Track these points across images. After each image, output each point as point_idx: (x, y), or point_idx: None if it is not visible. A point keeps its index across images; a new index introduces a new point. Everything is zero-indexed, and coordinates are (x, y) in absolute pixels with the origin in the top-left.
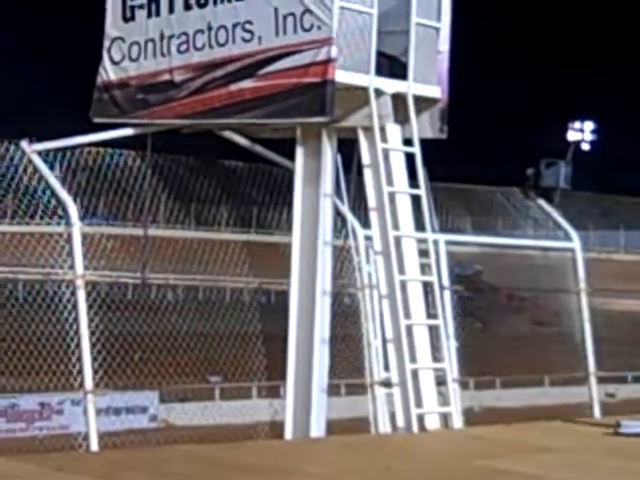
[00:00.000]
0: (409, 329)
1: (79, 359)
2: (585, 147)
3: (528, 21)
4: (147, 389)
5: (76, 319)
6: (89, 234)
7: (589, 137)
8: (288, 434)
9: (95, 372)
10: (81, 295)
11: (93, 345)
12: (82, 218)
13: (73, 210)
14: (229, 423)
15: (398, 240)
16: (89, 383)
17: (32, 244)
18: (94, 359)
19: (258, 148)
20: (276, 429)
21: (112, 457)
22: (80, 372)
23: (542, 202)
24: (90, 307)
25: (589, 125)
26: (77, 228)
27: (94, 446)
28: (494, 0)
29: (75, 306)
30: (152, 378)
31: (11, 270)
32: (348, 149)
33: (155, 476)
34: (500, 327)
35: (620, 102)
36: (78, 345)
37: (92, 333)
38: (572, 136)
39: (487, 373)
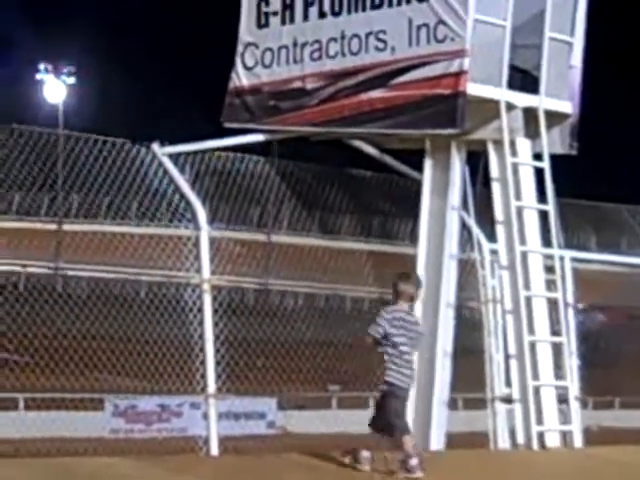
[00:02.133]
0: (532, 345)
1: (202, 362)
2: None
3: None
4: (266, 395)
5: (201, 323)
6: (215, 238)
7: None
8: None
9: (218, 376)
10: (207, 299)
11: (217, 350)
12: (210, 222)
13: (202, 214)
14: (344, 432)
15: (524, 255)
16: (212, 387)
17: (160, 246)
18: (217, 363)
19: (387, 158)
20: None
21: (230, 462)
22: (203, 376)
23: None
24: (215, 311)
25: None
26: (205, 232)
27: (214, 450)
28: (627, 15)
29: (200, 309)
30: (274, 384)
31: (137, 272)
32: (471, 161)
33: None
34: (620, 347)
35: None
36: (202, 349)
37: (216, 337)
38: None
39: (607, 393)
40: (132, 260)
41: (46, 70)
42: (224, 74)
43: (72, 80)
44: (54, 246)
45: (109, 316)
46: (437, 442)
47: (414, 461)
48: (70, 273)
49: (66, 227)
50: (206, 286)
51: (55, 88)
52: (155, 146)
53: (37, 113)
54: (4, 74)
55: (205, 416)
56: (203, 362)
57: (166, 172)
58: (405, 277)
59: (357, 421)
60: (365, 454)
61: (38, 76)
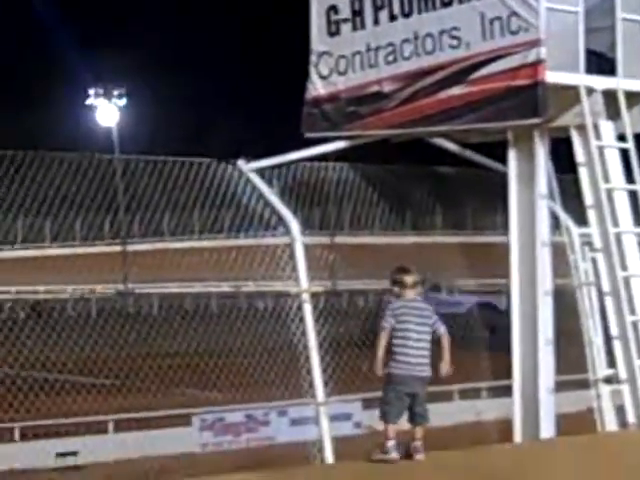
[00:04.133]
0: (635, 325)
1: (309, 372)
2: None
3: None
4: (351, 396)
5: (304, 332)
6: (308, 245)
7: None
8: (517, 436)
9: (325, 383)
10: (307, 308)
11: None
12: (302, 231)
13: (294, 225)
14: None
15: (618, 237)
16: (320, 395)
17: (254, 258)
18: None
19: (468, 153)
20: (479, 430)
21: (353, 468)
22: (311, 385)
23: None
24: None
25: None
26: (299, 243)
27: (329, 458)
28: None
29: (301, 319)
30: (359, 383)
31: (235, 284)
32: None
33: None
34: None
35: None
36: (307, 358)
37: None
38: None
39: None
40: (230, 273)
41: (97, 94)
42: (267, 88)
43: (123, 102)
44: (122, 267)
45: (181, 331)
46: (547, 430)
47: (390, 443)
48: (144, 291)
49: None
50: (305, 296)
51: (107, 111)
52: (241, 162)
53: (91, 137)
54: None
55: (293, 422)
56: (309, 371)
57: (254, 187)
58: (403, 270)
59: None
60: (390, 443)
61: (89, 101)
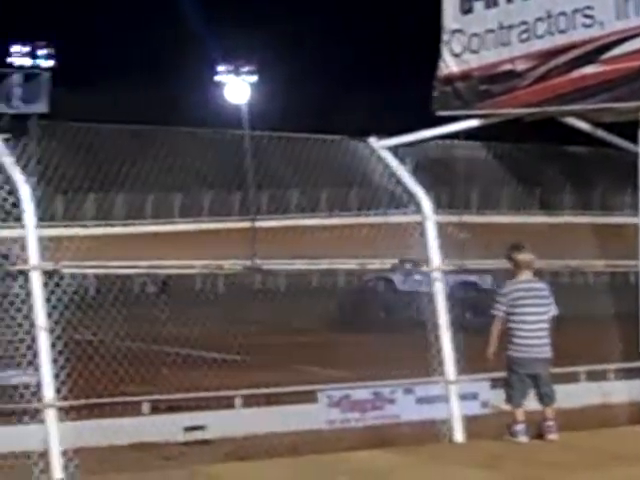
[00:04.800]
0: None
1: (439, 351)
2: None
3: None
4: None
5: (433, 311)
6: (439, 223)
7: None
8: None
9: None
10: (439, 287)
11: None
12: (434, 210)
13: (426, 203)
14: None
15: None
16: (451, 373)
17: (386, 236)
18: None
19: (600, 132)
20: (606, 413)
21: (483, 447)
22: (440, 363)
23: None
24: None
25: None
26: (431, 221)
27: (458, 437)
28: None
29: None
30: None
31: (362, 262)
32: None
33: (531, 465)
34: None
35: None
36: (437, 336)
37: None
38: None
39: None
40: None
41: (226, 71)
42: (399, 65)
43: (253, 79)
44: (251, 244)
45: (307, 308)
46: None
47: (519, 427)
48: (268, 267)
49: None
50: (437, 274)
51: (236, 88)
52: (372, 140)
53: (219, 114)
54: (186, 77)
55: (419, 401)
56: (439, 350)
57: (385, 165)
58: (518, 247)
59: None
60: (518, 427)
61: (218, 77)
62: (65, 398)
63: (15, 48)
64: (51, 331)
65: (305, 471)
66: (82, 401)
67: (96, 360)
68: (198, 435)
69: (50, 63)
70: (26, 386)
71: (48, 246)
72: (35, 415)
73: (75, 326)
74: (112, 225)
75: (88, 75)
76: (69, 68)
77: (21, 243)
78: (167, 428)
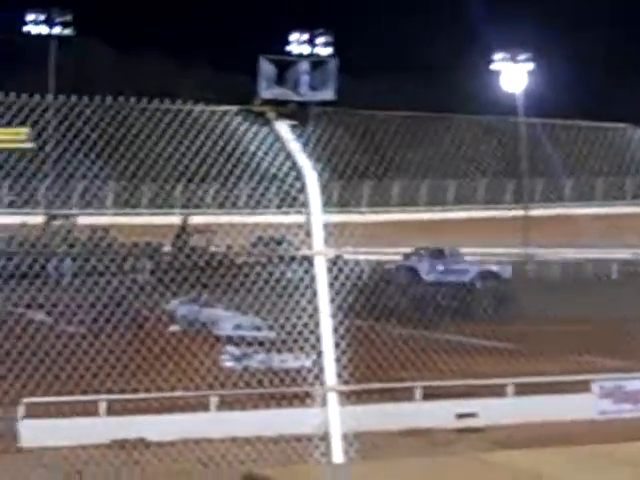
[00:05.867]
0: None
1: None
2: None
3: None
4: None
5: None
6: None
7: None
8: None
9: None
10: None
11: None
12: None
13: None
14: None
15: None
16: None
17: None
18: None
19: None
20: None
21: None
22: None
23: None
24: None
25: None
26: None
27: None
28: None
29: None
30: None
31: (635, 252)
32: None
33: None
34: None
35: None
36: None
37: None
38: None
39: None
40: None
41: (503, 59)
42: None
43: (530, 66)
44: (523, 232)
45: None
46: None
47: None
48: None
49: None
50: None
51: (513, 76)
52: None
53: (494, 102)
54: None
55: None
56: None
57: None
58: None
59: None
60: None
61: (494, 66)
62: (346, 382)
63: (294, 36)
64: (333, 316)
65: (582, 460)
66: (362, 386)
67: (374, 345)
68: (469, 422)
69: (328, 51)
70: (308, 370)
71: (332, 232)
72: (316, 399)
73: (358, 312)
74: (389, 212)
75: (365, 63)
76: (347, 56)
77: (306, 229)
78: (439, 414)
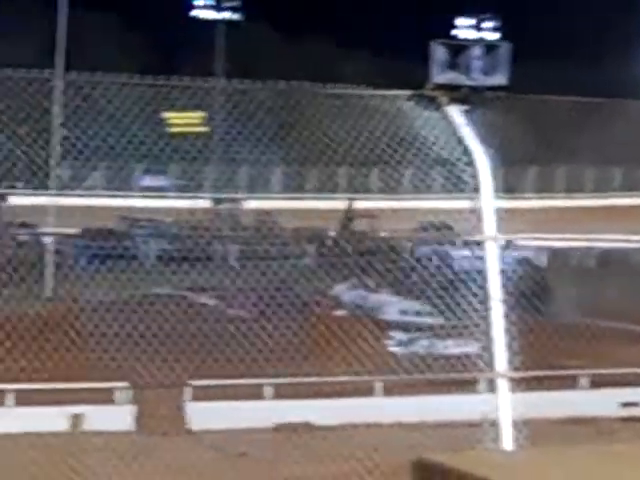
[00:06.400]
0: None
1: None
2: None
3: None
4: None
5: None
6: None
7: None
8: None
9: None
10: None
11: None
12: None
13: None
14: None
15: None
16: None
17: None
18: None
19: None
20: None
21: None
22: None
23: None
24: None
25: None
26: None
27: None
28: None
29: None
30: None
31: None
32: None
33: None
34: None
35: None
36: None
37: None
38: None
39: None
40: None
41: None
42: None
43: None
44: None
45: None
46: None
47: None
48: None
49: None
50: None
51: None
52: None
53: None
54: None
55: None
56: None
57: None
58: None
59: None
60: None
61: None
62: (516, 369)
63: (460, 21)
64: (504, 302)
65: None
66: (533, 372)
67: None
68: (634, 411)
69: (496, 36)
70: (477, 356)
71: (503, 217)
72: (485, 385)
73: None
74: (554, 198)
75: (533, 48)
76: (515, 41)
77: (477, 214)
78: (604, 403)
